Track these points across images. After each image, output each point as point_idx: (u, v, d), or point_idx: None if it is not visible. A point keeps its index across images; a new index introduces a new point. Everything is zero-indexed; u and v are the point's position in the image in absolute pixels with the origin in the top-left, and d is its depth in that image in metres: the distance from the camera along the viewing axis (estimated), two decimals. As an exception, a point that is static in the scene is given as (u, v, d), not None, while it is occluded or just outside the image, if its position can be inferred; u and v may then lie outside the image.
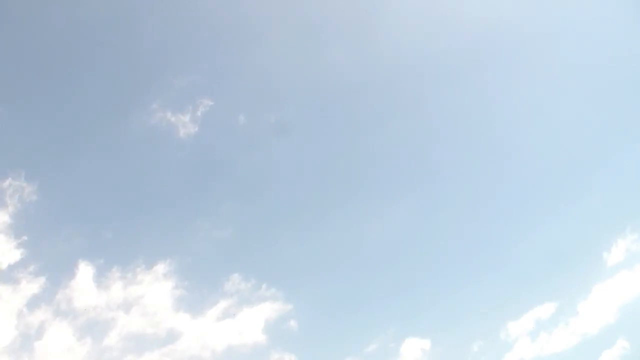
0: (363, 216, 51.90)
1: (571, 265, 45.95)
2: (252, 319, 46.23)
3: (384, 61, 53.08)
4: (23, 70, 50.01)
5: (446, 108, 54.00)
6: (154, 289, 46.54)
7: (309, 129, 54.44)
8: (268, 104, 53.01)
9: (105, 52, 51.88)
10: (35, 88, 50.17)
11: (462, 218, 51.79)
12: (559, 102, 52.11)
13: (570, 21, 51.97)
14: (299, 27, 52.43)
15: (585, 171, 50.87)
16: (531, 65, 52.71)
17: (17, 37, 48.58)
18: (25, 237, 44.31)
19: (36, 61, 49.95)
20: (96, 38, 50.88)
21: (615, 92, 49.85)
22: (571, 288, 44.96)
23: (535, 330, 43.71)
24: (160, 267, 47.07)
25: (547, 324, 43.82)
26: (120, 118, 52.67)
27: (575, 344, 43.02)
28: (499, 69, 53.36)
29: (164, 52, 52.88)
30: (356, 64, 53.60)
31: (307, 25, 52.06)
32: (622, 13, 48.58)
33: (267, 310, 46.49)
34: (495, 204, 51.80)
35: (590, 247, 46.21)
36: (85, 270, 45.16)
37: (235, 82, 53.64)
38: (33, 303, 43.68)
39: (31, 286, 43.58)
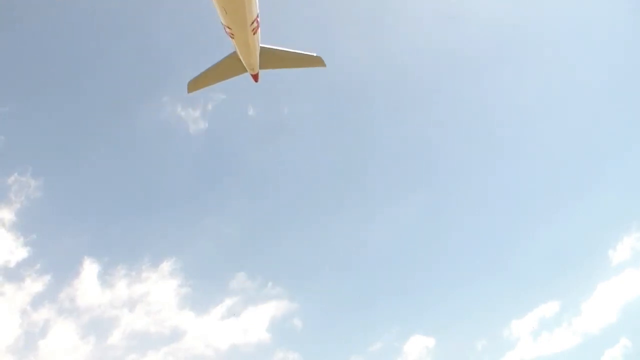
0: (368, 216, 52.03)
1: (576, 264, 46.13)
2: (257, 318, 46.24)
3: (393, 59, 53.15)
4: (30, 66, 49.90)
5: (450, 109, 54.17)
6: (159, 287, 46.56)
7: (318, 126, 54.47)
8: (278, 100, 52.79)
9: (115, 47, 51.74)
10: (42, 84, 50.08)
11: (466, 217, 51.96)
12: (565, 101, 52.33)
13: (579, 22, 52.19)
14: (310, 24, 52.31)
15: (591, 169, 51.09)
16: (537, 66, 52.94)
17: (25, 34, 48.47)
18: (31, 235, 44.22)
19: (43, 57, 49.82)
20: (106, 33, 50.70)
21: (621, 92, 50.08)
22: (576, 286, 45.12)
23: (539, 329, 43.85)
24: (167, 265, 47.08)
25: (550, 322, 43.96)
26: (129, 113, 52.52)
27: (578, 342, 43.15)
28: (503, 70, 53.55)
29: (175, 47, 52.46)
30: (366, 62, 53.60)
31: (317, 22, 52.02)
32: (625, 14, 48.82)
33: (272, 308, 46.50)
34: (499, 203, 51.99)
35: (595, 245, 46.40)
36: (90, 268, 45.13)
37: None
38: (37, 301, 43.60)
39: (36, 284, 43.49)
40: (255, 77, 28.58)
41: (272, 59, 27.42)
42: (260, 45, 25.66)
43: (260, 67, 27.58)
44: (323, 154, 54.23)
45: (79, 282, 45.03)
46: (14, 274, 43.68)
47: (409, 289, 48.70)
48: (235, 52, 25.81)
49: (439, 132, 54.21)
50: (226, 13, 22.84)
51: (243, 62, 26.78)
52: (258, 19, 24.13)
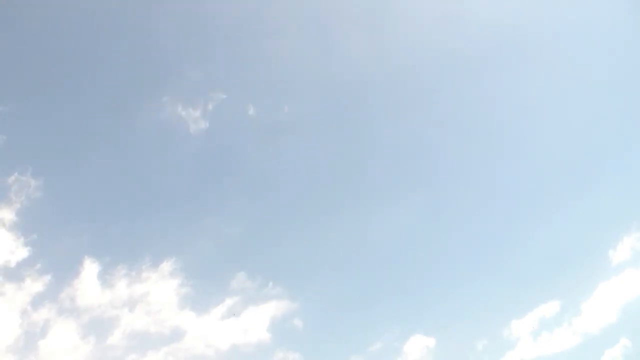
0: (369, 215, 51.98)
1: (576, 264, 46.08)
2: (258, 318, 46.14)
3: (393, 59, 53.15)
4: (30, 65, 49.82)
5: (451, 108, 54.19)
6: (160, 287, 46.40)
7: (319, 126, 54.45)
8: (279, 100, 52.70)
9: (115, 46, 51.65)
10: (42, 84, 50.01)
11: (467, 217, 51.96)
12: (564, 100, 52.36)
13: (579, 22, 52.22)
14: (311, 22, 52.25)
15: (591, 169, 51.11)
16: (537, 65, 52.95)
17: (25, 32, 48.43)
18: (31, 235, 44.06)
19: (44, 56, 49.76)
20: (106, 33, 50.63)
21: (621, 92, 50.10)
22: (576, 286, 45.04)
23: (539, 329, 43.83)
24: (167, 265, 46.94)
25: (550, 322, 43.94)
26: (129, 113, 52.35)
27: (578, 342, 43.14)
28: (504, 70, 53.58)
29: (176, 45, 52.28)
30: (367, 61, 53.56)
31: (319, 20, 51.97)
32: (625, 14, 48.87)
33: (272, 308, 46.46)
34: (500, 202, 51.98)
35: (596, 245, 46.37)
36: (91, 268, 44.98)
37: (247, 77, 53.24)
38: (38, 301, 43.45)
39: (36, 284, 43.35)
40: None
41: None
42: None
43: None
44: (323, 153, 54.21)
45: (79, 282, 44.89)
46: (14, 274, 43.53)
47: (409, 289, 48.70)
48: None
49: (439, 132, 54.23)
50: None
51: None
52: None
